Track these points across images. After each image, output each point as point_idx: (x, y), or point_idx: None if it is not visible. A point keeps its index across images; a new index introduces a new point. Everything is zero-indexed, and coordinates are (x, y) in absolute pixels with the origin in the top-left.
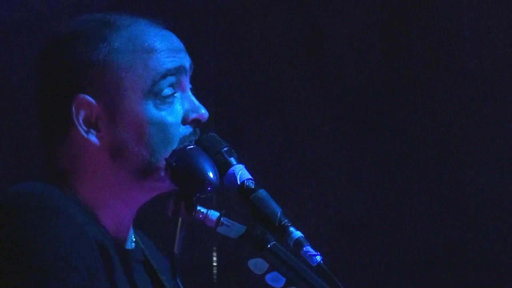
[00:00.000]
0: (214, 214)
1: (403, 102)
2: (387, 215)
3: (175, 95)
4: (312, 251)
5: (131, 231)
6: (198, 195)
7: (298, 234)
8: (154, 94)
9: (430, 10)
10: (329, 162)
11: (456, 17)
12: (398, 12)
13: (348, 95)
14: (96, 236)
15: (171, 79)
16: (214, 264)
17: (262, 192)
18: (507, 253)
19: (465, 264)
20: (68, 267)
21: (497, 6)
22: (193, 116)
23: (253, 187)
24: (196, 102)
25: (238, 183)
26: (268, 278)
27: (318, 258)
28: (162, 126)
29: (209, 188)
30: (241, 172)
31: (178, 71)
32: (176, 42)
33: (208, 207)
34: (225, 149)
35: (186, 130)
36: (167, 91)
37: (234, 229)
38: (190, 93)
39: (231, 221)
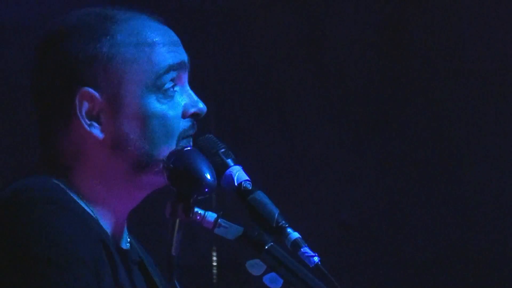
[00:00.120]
0: (211, 216)
1: (403, 102)
2: (387, 215)
3: (175, 89)
4: (310, 252)
5: (126, 231)
6: (195, 196)
7: (295, 235)
8: (157, 88)
9: (431, 10)
10: (329, 162)
11: (456, 17)
12: (398, 12)
13: (348, 95)
14: (98, 233)
15: (173, 74)
16: (214, 264)
17: (259, 194)
18: (507, 253)
19: (465, 264)
20: (77, 262)
21: (497, 6)
22: (192, 110)
23: (250, 188)
24: (195, 97)
25: (236, 184)
26: (266, 279)
27: (316, 259)
28: (164, 120)
29: (206, 190)
30: (238, 174)
31: (180, 66)
32: (175, 37)
33: (207, 209)
34: (223, 150)
35: (185, 123)
36: (168, 85)
37: (231, 230)
38: (188, 87)
39: (228, 223)
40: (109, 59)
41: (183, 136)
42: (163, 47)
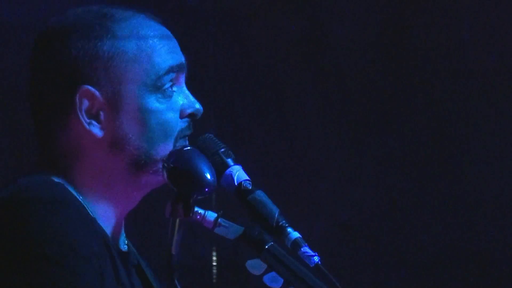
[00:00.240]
0: (211, 215)
1: (403, 102)
2: (387, 215)
3: (173, 89)
4: (310, 252)
5: (123, 233)
6: (195, 196)
7: (295, 234)
8: (156, 88)
9: (431, 10)
10: (329, 162)
11: (457, 17)
12: (398, 12)
13: (348, 95)
14: (100, 232)
15: (173, 75)
16: (214, 264)
17: (259, 193)
18: (507, 253)
19: (465, 264)
20: (81, 260)
21: (497, 6)
22: (189, 110)
23: (250, 188)
24: (192, 97)
25: (236, 184)
26: (266, 278)
27: (316, 258)
28: (162, 119)
29: (206, 189)
30: (238, 173)
31: (179, 68)
32: (173, 38)
33: (207, 208)
34: (222, 150)
35: (182, 123)
36: (167, 85)
37: (231, 230)
38: (185, 88)
39: (228, 222)
40: (109, 58)
41: (180, 136)
42: (163, 47)
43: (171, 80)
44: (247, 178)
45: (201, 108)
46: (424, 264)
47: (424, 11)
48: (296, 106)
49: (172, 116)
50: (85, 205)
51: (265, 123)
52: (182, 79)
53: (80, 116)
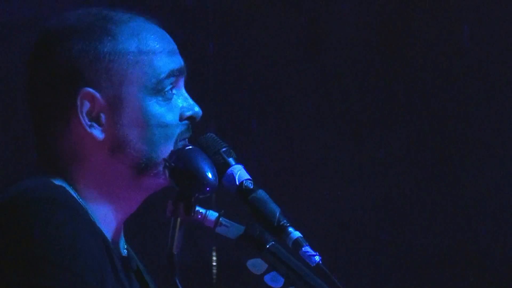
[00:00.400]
0: (212, 215)
1: (403, 102)
2: (387, 215)
3: (173, 92)
4: (311, 251)
5: (123, 237)
6: (196, 195)
7: (297, 234)
8: (157, 91)
9: (430, 10)
10: (329, 162)
11: (456, 17)
12: (397, 13)
13: (348, 95)
14: (100, 236)
15: (173, 78)
16: (214, 264)
17: (260, 193)
18: (506, 253)
19: (465, 264)
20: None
21: (497, 6)
22: (188, 113)
23: (251, 187)
24: (191, 101)
25: (237, 183)
26: (267, 278)
27: (317, 258)
28: (163, 122)
29: (207, 189)
30: (239, 173)
31: (179, 71)
32: (172, 41)
33: (208, 208)
34: (224, 149)
35: (182, 126)
36: (167, 88)
37: (232, 229)
38: (184, 91)
39: (229, 222)
40: (111, 60)
41: (180, 139)
42: (164, 51)
43: (171, 84)
44: (249, 177)
45: (200, 111)
46: (423, 264)
47: (423, 11)
48: (296, 106)
49: (172, 119)
50: (86, 208)
51: (265, 123)
52: (182, 82)
53: (81, 118)
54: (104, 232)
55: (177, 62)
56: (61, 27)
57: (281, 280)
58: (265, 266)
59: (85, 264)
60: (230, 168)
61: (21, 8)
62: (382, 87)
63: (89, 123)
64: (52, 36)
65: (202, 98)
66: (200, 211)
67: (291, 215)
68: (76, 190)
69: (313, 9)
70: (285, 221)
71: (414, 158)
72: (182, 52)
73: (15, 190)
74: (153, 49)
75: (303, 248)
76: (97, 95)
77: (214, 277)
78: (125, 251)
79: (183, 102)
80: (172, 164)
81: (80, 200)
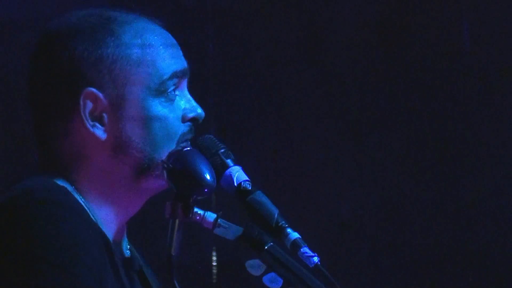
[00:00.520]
0: (211, 216)
1: (403, 102)
2: (387, 215)
3: (176, 93)
4: (310, 252)
5: (125, 238)
6: (195, 196)
7: (295, 235)
8: (160, 92)
9: (430, 10)
10: (329, 162)
11: (456, 17)
12: (397, 12)
13: (347, 95)
14: (102, 237)
15: (176, 80)
16: (214, 264)
17: (259, 194)
18: (507, 253)
19: (465, 264)
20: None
21: (497, 6)
22: (191, 115)
23: (250, 188)
24: (194, 102)
25: (235, 184)
26: (266, 279)
27: (316, 259)
28: (165, 123)
29: (206, 190)
30: (238, 174)
31: (183, 73)
32: (175, 43)
33: (206, 209)
34: (222, 150)
35: (184, 127)
36: (170, 89)
37: (231, 230)
38: (187, 92)
39: (228, 223)
40: (114, 60)
41: (182, 140)
42: (167, 52)
43: (174, 85)
44: (247, 178)
45: (203, 112)
46: (423, 264)
47: (423, 11)
48: (296, 106)
49: (174, 120)
50: (87, 209)
51: (265, 123)
52: (185, 83)
53: (84, 118)
54: (105, 232)
55: (180, 63)
56: (64, 27)
57: (280, 281)
58: (264, 267)
59: (84, 265)
60: (228, 169)
61: (21, 8)
62: (382, 87)
63: (91, 123)
64: (55, 36)
65: (202, 98)
66: (198, 212)
67: (290, 215)
68: (77, 190)
69: (313, 9)
70: (283, 222)
71: (414, 158)
72: (182, 53)
73: (17, 190)
74: (156, 50)
75: (301, 249)
76: (100, 95)
77: (214, 277)
78: (128, 251)
79: (186, 104)
80: (170, 165)
81: (81, 201)
